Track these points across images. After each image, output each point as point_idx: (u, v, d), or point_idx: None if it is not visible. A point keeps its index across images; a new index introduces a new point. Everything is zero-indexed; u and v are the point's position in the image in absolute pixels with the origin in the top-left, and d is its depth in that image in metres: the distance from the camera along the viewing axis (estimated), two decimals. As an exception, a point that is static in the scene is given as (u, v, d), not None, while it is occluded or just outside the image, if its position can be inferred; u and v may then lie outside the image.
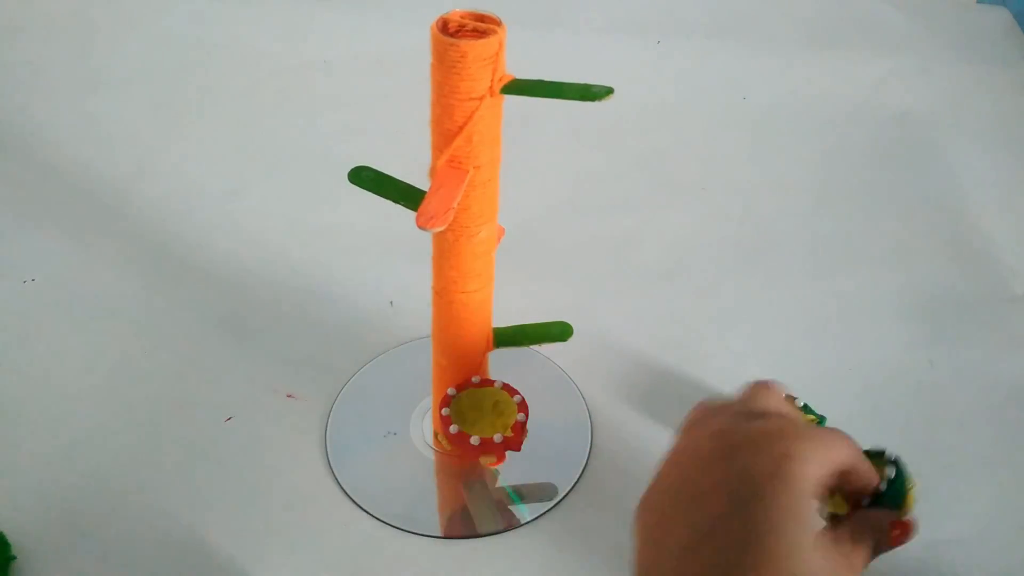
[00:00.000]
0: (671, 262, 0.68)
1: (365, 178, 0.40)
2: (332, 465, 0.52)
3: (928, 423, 0.56)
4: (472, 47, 0.33)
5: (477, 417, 0.45)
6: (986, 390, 0.58)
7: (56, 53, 0.90)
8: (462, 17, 0.35)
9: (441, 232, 0.39)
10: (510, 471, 0.53)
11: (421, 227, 0.34)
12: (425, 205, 0.35)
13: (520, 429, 0.43)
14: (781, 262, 0.69)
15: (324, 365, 0.58)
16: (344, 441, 0.54)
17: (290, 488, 0.51)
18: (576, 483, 0.52)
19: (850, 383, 0.59)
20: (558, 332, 0.47)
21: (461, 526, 0.50)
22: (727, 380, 0.58)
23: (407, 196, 0.39)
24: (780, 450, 0.29)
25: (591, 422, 0.56)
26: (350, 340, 0.60)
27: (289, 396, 0.56)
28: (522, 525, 0.50)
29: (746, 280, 0.67)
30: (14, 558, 0.47)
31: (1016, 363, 0.60)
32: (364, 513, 0.50)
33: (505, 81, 0.35)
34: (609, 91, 0.33)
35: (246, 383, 0.57)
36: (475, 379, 0.46)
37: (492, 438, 0.42)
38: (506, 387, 0.46)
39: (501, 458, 0.48)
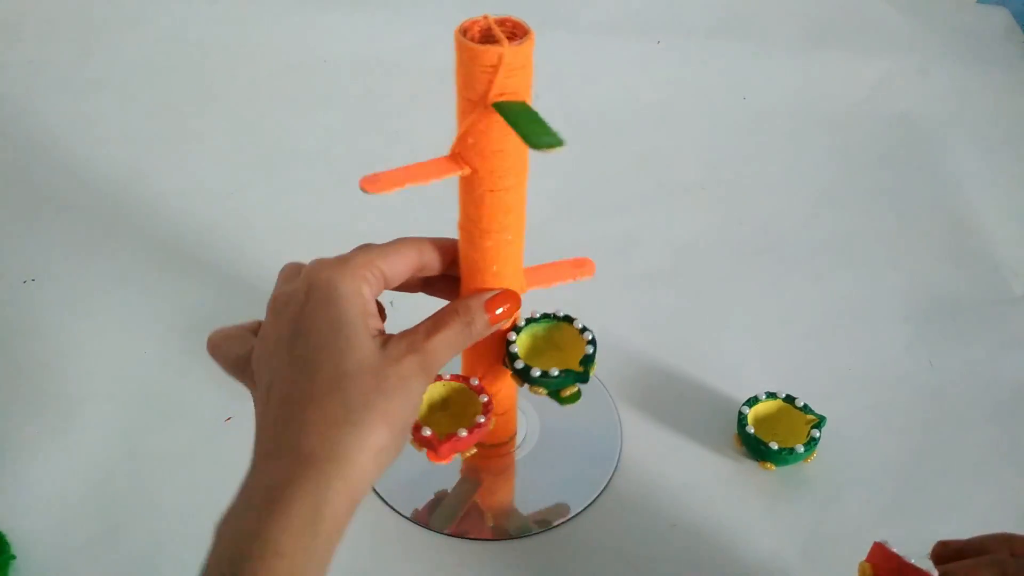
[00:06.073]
0: (671, 262, 0.68)
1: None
2: None
3: (928, 423, 0.56)
4: (469, 48, 0.34)
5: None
6: (986, 390, 0.58)
7: (56, 53, 0.90)
8: (499, 22, 0.35)
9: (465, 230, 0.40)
10: (527, 474, 0.54)
11: (362, 187, 0.36)
12: (379, 173, 0.37)
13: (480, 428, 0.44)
14: (781, 262, 0.69)
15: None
16: None
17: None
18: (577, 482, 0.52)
19: (850, 383, 0.59)
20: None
21: (478, 527, 0.50)
22: (727, 380, 0.58)
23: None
24: (312, 279, 0.37)
25: (591, 422, 0.56)
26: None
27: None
28: (537, 533, 0.50)
29: (746, 280, 0.67)
30: (14, 558, 0.47)
31: (1016, 363, 0.60)
32: (383, 503, 0.51)
33: (501, 99, 0.35)
34: (556, 144, 0.32)
35: (246, 383, 0.57)
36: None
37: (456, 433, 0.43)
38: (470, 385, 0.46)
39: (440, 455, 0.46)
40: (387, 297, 0.64)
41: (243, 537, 0.32)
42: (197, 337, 0.61)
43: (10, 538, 0.48)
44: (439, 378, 0.46)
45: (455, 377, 0.46)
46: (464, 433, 0.42)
